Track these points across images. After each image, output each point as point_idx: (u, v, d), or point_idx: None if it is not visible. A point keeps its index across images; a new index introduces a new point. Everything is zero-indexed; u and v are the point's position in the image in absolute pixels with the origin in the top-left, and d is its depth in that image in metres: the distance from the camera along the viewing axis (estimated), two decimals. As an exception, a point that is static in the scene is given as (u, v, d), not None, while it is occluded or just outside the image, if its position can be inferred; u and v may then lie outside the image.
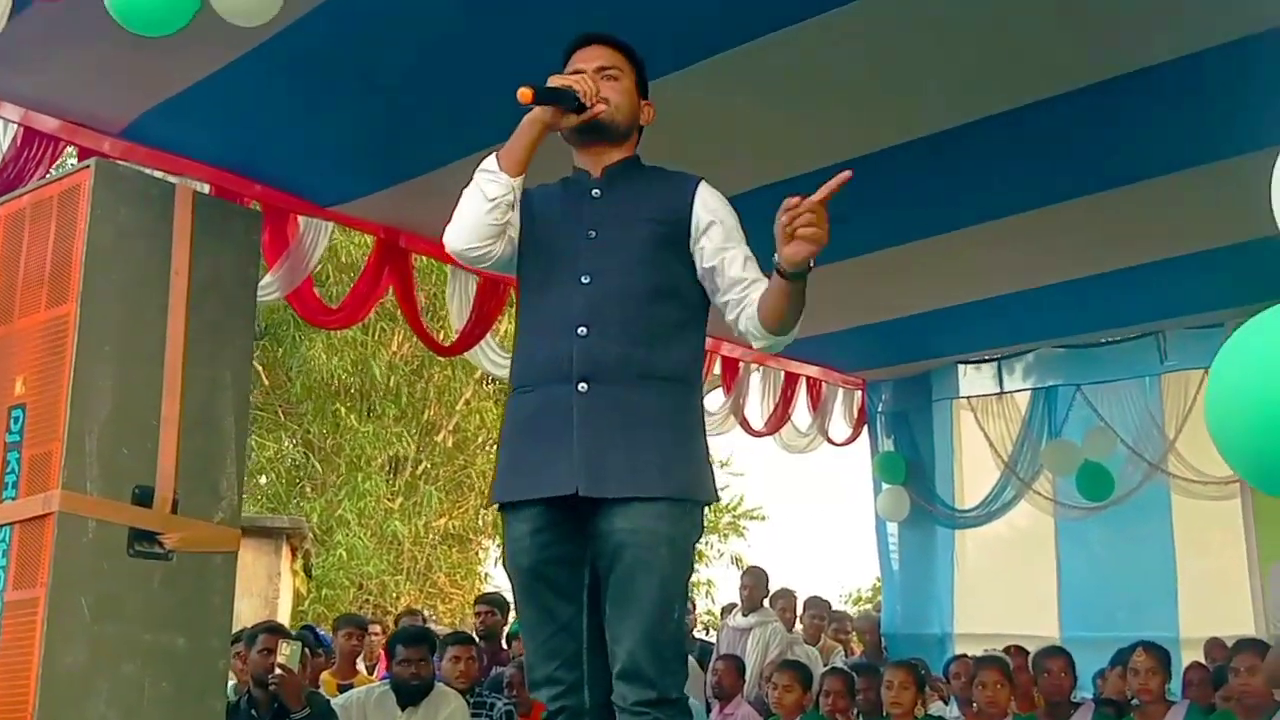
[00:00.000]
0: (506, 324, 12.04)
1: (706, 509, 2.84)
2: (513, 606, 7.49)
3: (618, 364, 2.66)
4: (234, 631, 6.27)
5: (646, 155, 2.94)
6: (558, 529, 2.68)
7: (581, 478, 2.62)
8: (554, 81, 2.75)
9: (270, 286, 5.89)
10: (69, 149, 5.28)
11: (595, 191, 2.85)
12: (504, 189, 2.74)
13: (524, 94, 2.67)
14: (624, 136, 2.87)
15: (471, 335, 6.91)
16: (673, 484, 2.64)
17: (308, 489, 16.57)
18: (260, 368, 16.35)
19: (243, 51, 4.60)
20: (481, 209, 2.75)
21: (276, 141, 5.51)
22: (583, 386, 2.66)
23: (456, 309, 6.89)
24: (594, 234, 2.78)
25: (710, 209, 2.81)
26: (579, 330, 2.69)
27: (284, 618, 11.10)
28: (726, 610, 9.59)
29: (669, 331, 2.73)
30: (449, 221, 2.79)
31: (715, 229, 2.78)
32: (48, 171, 5.04)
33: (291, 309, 7.15)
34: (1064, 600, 8.49)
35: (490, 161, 2.77)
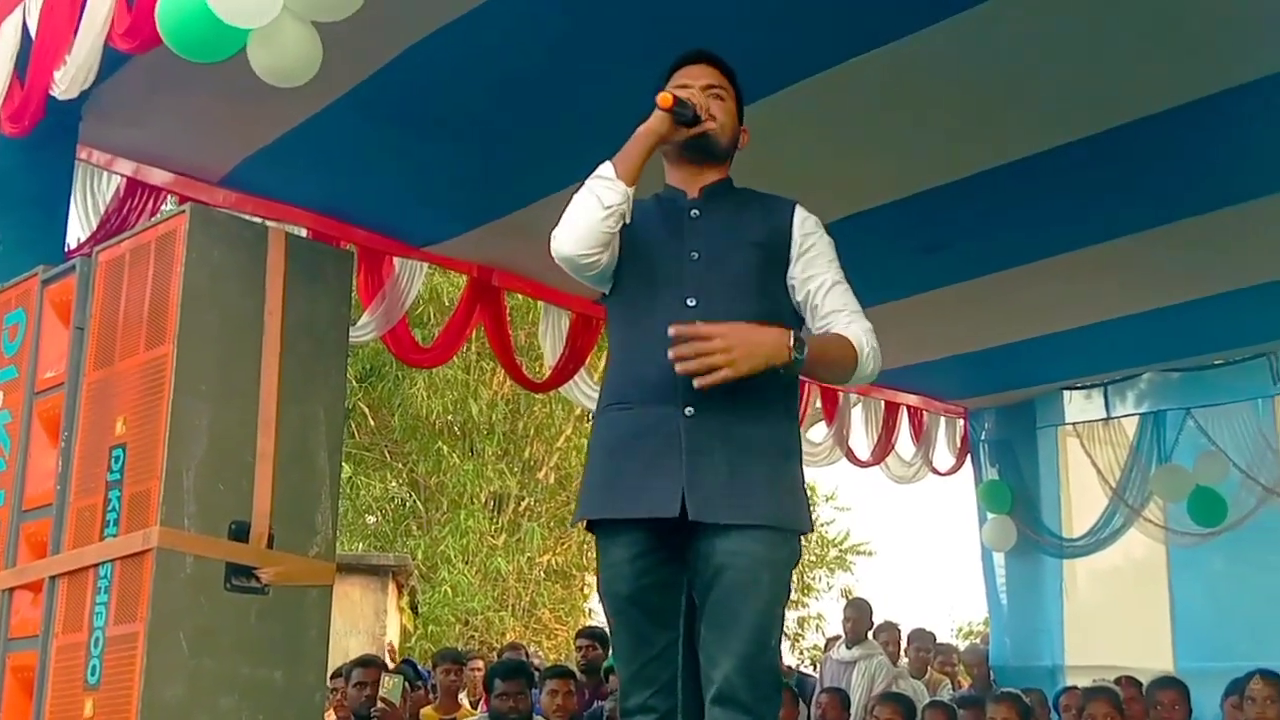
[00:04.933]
0: (602, 360, 12.12)
1: (803, 539, 2.82)
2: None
3: (725, 390, 2.57)
4: (336, 667, 6.41)
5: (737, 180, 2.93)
6: (658, 554, 2.64)
7: (689, 501, 2.58)
8: (691, 99, 2.78)
9: (367, 327, 6.00)
10: (169, 197, 5.45)
11: (694, 211, 2.82)
12: (620, 197, 2.69)
13: (664, 99, 2.71)
14: (724, 157, 2.88)
15: (565, 371, 6.95)
16: (777, 513, 2.63)
17: (413, 527, 16.76)
18: (366, 409, 16.62)
19: (335, 97, 4.71)
20: (597, 215, 2.69)
21: (370, 184, 5.63)
22: (689, 410, 2.62)
23: (550, 345, 6.94)
24: (696, 255, 2.76)
25: (807, 232, 2.82)
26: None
27: (395, 655, 11.19)
28: (830, 643, 9.46)
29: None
30: (551, 238, 2.74)
31: (811, 254, 2.79)
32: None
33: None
34: (1178, 630, 8.23)
35: (606, 168, 2.73)
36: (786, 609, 2.74)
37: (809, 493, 2.86)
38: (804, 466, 2.82)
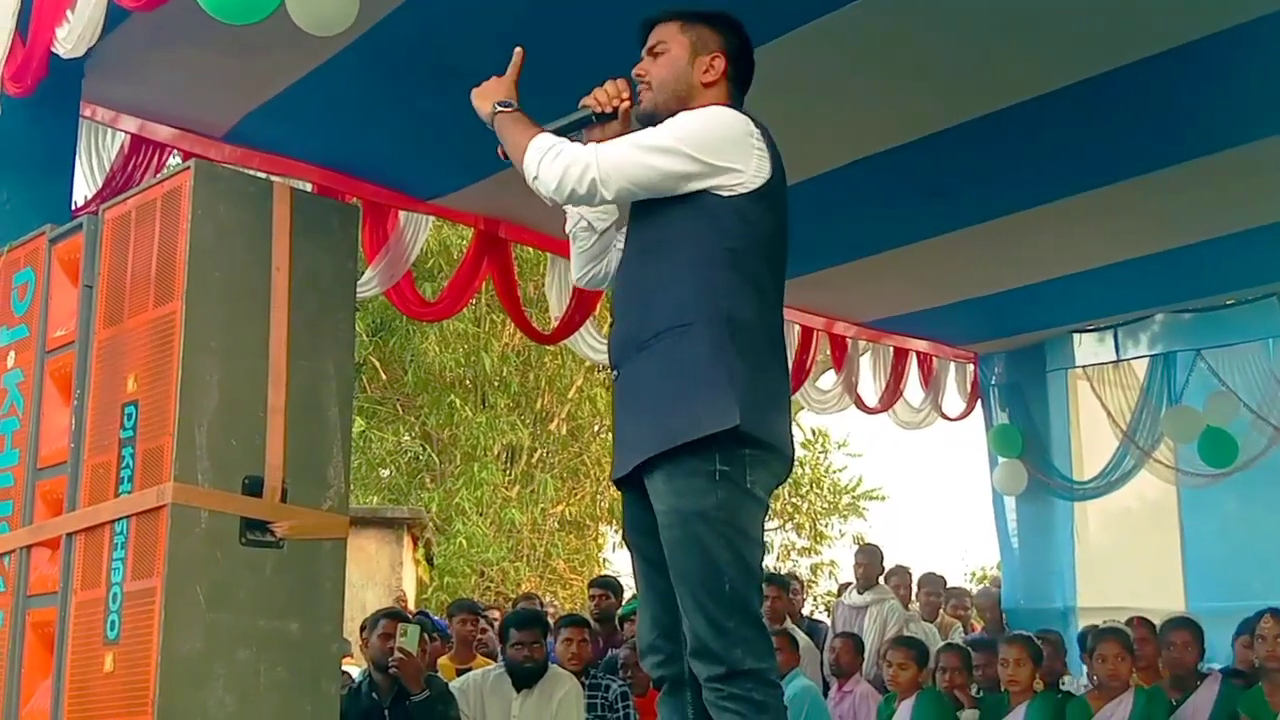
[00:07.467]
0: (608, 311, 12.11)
1: (772, 458, 2.64)
2: (625, 589, 7.60)
3: (623, 345, 2.78)
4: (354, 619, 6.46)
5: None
6: (640, 503, 2.74)
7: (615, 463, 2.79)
8: (583, 102, 2.88)
9: (370, 282, 5.98)
10: (173, 153, 5.44)
11: None
12: (571, 221, 2.96)
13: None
14: (672, 111, 2.78)
15: (571, 323, 6.94)
16: (651, 442, 2.60)
17: (427, 480, 16.85)
18: (377, 362, 16.65)
19: (337, 50, 4.68)
20: (571, 246, 3.00)
21: (374, 137, 5.61)
22: (614, 374, 2.83)
23: (555, 297, 6.94)
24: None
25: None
26: (613, 322, 2.88)
27: (409, 606, 11.28)
28: (842, 589, 9.52)
29: (656, 288, 2.68)
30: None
31: None
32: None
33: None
34: (1189, 570, 8.28)
35: None
36: (748, 540, 2.61)
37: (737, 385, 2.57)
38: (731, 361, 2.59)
